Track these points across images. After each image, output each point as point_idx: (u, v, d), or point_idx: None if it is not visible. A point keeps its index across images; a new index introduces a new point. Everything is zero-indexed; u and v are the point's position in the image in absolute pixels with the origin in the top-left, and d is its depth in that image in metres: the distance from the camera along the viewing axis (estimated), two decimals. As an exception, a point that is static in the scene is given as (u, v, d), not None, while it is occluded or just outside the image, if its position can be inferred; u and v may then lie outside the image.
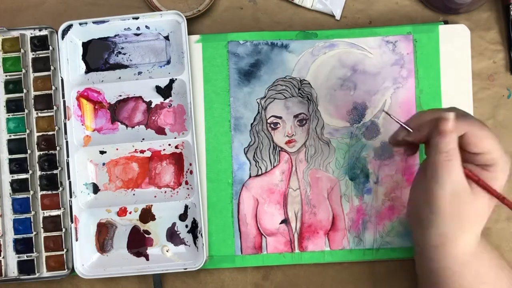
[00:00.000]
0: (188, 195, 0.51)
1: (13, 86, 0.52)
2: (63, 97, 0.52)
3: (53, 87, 0.52)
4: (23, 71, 0.52)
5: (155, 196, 0.52)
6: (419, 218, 0.43)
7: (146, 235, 0.52)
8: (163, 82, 0.52)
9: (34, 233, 0.51)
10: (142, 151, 0.52)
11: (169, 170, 0.53)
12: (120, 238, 0.52)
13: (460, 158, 0.40)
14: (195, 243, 0.51)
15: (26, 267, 0.51)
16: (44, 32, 0.52)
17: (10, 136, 0.52)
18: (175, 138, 0.52)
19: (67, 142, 0.51)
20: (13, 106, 0.52)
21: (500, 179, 0.41)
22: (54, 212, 0.51)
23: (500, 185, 0.41)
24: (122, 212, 0.52)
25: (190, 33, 0.52)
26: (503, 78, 0.53)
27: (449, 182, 0.40)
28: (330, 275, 0.52)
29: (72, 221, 0.51)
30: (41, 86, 0.52)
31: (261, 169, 0.52)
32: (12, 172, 0.51)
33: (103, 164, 0.53)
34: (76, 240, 0.51)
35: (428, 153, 0.43)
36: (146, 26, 0.52)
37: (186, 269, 0.50)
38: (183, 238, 0.52)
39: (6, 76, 0.52)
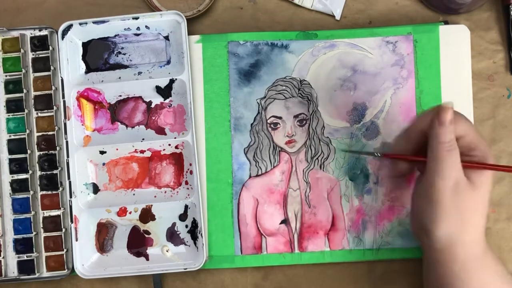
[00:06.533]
0: (188, 195, 0.51)
1: (13, 86, 0.52)
2: (63, 97, 0.52)
3: (53, 87, 0.52)
4: (23, 71, 0.52)
5: (155, 196, 0.52)
6: (423, 223, 0.43)
7: (146, 235, 0.52)
8: (163, 82, 0.52)
9: (34, 233, 0.51)
10: (142, 151, 0.52)
11: (169, 170, 0.53)
12: (120, 238, 0.52)
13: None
14: (195, 243, 0.51)
15: (26, 267, 0.51)
16: (44, 32, 0.52)
17: (10, 136, 0.52)
18: (175, 138, 0.52)
19: (67, 142, 0.51)
20: (13, 106, 0.52)
21: (486, 160, 0.41)
22: (54, 212, 0.51)
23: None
24: (122, 212, 0.52)
25: (190, 33, 0.52)
26: (503, 78, 0.53)
27: (450, 174, 0.40)
28: (330, 275, 0.52)
29: (72, 221, 0.51)
30: (41, 86, 0.52)
31: (261, 169, 0.52)
32: (12, 172, 0.51)
33: (103, 164, 0.53)
34: (76, 240, 0.51)
35: (429, 149, 0.42)
36: (146, 26, 0.52)
37: (186, 269, 0.50)
38: (183, 238, 0.52)
39: (6, 76, 0.52)
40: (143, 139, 0.52)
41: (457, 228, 0.41)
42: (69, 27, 0.52)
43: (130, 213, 0.52)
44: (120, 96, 0.53)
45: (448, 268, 0.42)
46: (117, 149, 0.52)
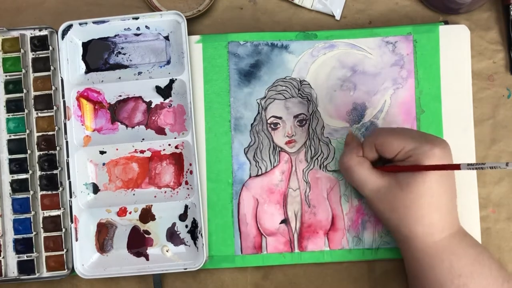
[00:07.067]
0: (188, 195, 0.52)
1: (13, 86, 0.52)
2: (63, 97, 0.52)
3: (53, 87, 0.52)
4: (23, 71, 0.51)
5: (155, 196, 0.52)
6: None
7: (146, 235, 0.52)
8: (163, 82, 0.52)
9: (34, 233, 0.51)
10: (142, 151, 0.52)
11: (169, 170, 0.53)
12: (120, 238, 0.52)
13: (366, 164, 0.46)
14: (195, 243, 0.51)
15: (26, 267, 0.51)
16: (44, 32, 0.52)
17: (10, 136, 0.52)
18: (175, 138, 0.52)
19: (67, 142, 0.51)
20: (13, 106, 0.52)
21: (427, 160, 0.43)
22: (54, 212, 0.51)
23: (436, 163, 0.43)
24: (122, 212, 0.52)
25: (190, 33, 0.52)
26: (503, 78, 0.53)
27: (362, 181, 0.46)
28: (330, 275, 0.53)
29: (72, 221, 0.51)
30: (41, 86, 0.52)
31: (261, 169, 0.52)
32: (12, 172, 0.51)
33: (103, 164, 0.53)
34: (76, 240, 0.51)
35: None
36: (146, 26, 0.52)
37: (186, 269, 0.50)
38: (183, 238, 0.52)
39: (6, 76, 0.52)
40: (143, 139, 0.52)
41: (401, 225, 0.45)
42: (69, 27, 0.52)
43: (130, 213, 0.52)
44: (120, 96, 0.53)
45: (412, 256, 0.46)
46: (117, 149, 0.52)
